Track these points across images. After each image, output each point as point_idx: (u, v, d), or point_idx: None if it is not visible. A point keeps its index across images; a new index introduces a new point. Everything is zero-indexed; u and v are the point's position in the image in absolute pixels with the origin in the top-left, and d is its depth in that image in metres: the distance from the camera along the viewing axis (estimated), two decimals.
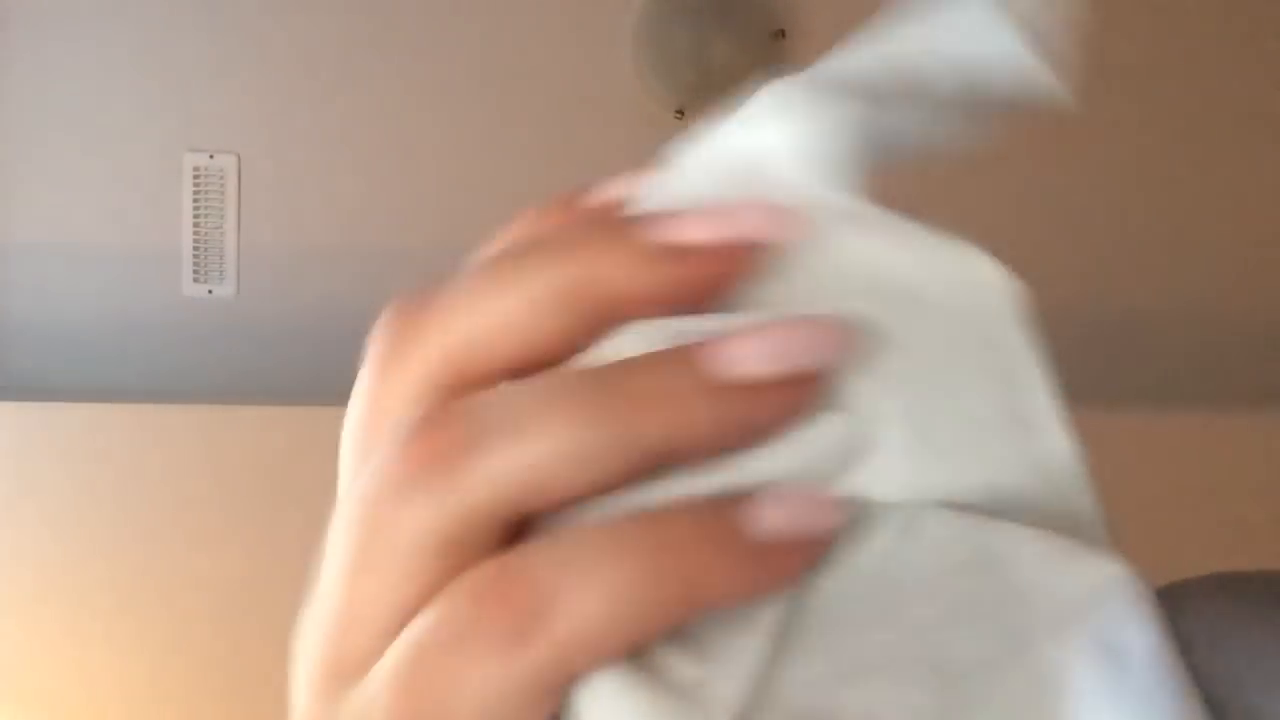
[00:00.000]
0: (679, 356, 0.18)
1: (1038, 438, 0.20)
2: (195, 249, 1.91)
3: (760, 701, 0.18)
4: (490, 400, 0.18)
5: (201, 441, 1.73)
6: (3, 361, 1.88)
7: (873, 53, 0.22)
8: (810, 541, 0.18)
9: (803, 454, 0.19)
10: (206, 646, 1.70)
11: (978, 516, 0.20)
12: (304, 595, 0.22)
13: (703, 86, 1.97)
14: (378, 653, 0.19)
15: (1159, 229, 2.04)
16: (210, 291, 1.91)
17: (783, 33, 1.99)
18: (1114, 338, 2.01)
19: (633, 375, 0.18)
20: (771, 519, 0.18)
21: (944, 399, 0.20)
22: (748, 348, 0.18)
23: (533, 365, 0.19)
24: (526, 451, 0.18)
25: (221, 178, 1.91)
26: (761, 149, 0.21)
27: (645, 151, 0.25)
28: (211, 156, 1.91)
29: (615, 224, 0.19)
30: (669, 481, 0.19)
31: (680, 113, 1.96)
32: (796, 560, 0.18)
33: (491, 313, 0.19)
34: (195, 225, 1.91)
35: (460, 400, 0.18)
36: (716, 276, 0.19)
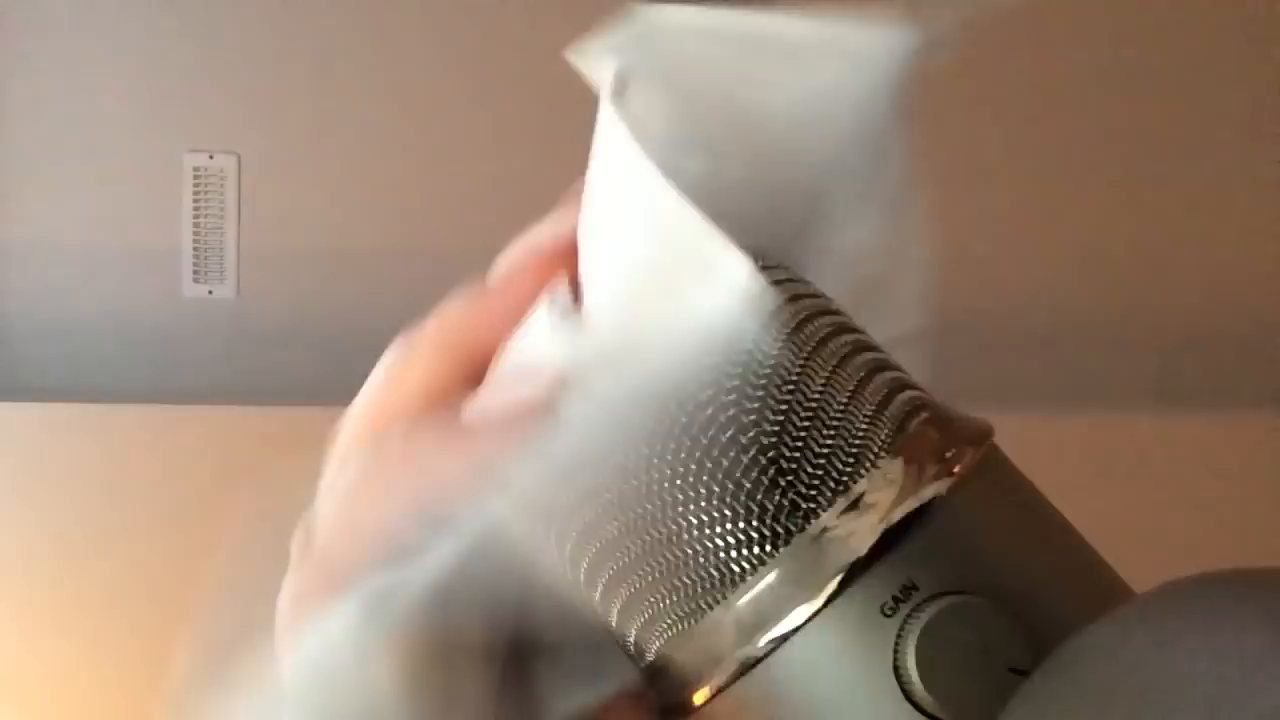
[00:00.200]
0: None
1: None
2: (195, 249, 1.91)
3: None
4: None
5: (201, 441, 1.73)
6: (3, 361, 1.88)
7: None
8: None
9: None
10: None
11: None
12: None
13: None
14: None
15: (1158, 229, 2.04)
16: (210, 292, 1.91)
17: None
18: (1113, 338, 2.01)
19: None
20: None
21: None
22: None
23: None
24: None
25: (221, 178, 1.91)
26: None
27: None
28: (211, 156, 1.91)
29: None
30: None
31: None
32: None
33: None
34: (195, 226, 1.91)
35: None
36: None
